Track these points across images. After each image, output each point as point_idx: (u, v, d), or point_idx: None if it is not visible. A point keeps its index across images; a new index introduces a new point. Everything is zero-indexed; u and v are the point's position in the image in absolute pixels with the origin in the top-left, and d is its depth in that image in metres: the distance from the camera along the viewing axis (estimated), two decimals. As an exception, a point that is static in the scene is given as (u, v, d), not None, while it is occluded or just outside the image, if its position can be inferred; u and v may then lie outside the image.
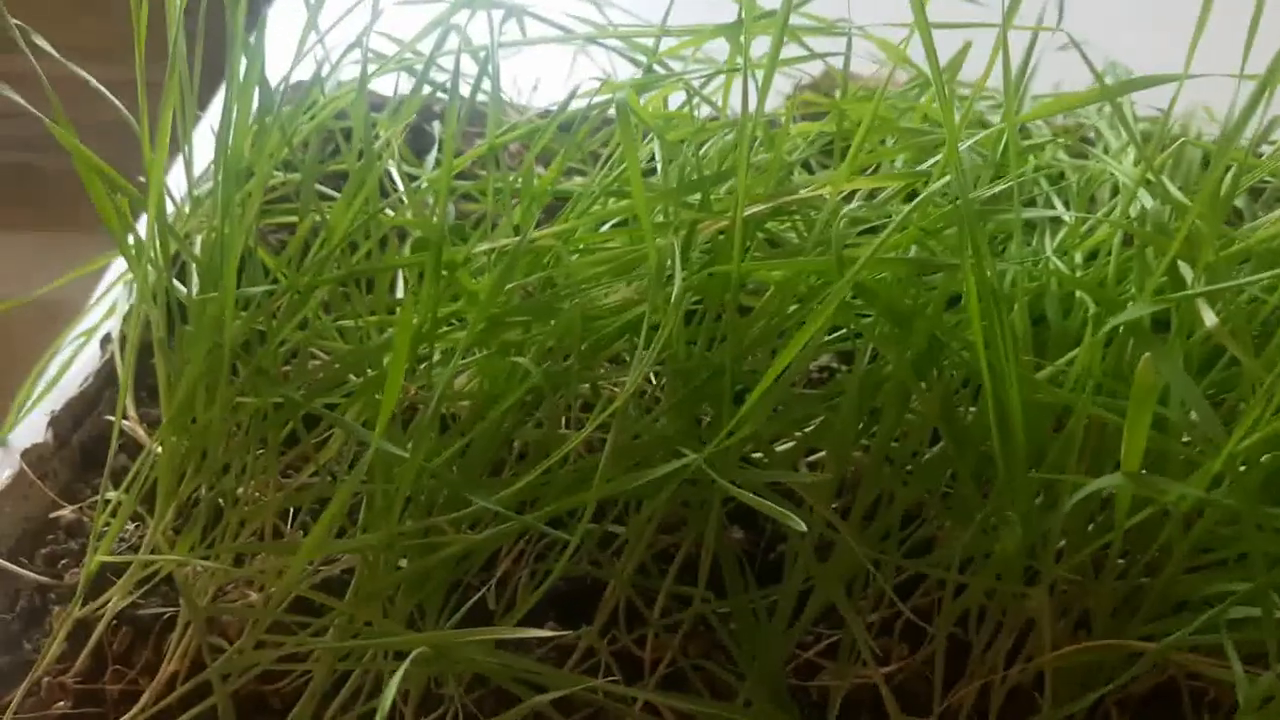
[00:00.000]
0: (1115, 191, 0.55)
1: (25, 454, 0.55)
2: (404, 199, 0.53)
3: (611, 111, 0.50)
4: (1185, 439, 0.43)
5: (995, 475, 0.45)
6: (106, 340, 0.61)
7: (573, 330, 0.47)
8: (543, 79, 0.79)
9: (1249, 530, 0.40)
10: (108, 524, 0.50)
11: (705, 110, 0.57)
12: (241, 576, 0.48)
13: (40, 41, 0.49)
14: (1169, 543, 0.44)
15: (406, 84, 0.60)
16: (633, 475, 0.44)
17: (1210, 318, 0.40)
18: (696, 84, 0.53)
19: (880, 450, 0.47)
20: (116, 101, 0.52)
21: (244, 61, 0.48)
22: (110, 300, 0.62)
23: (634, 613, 0.50)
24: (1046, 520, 0.43)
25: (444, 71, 0.56)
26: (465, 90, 0.52)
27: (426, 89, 0.55)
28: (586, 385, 0.51)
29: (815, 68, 0.67)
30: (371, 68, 0.54)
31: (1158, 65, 0.48)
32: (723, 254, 0.48)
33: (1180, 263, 0.42)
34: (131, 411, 0.56)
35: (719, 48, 0.56)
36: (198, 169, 0.52)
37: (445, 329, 0.49)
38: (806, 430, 0.50)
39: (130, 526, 0.52)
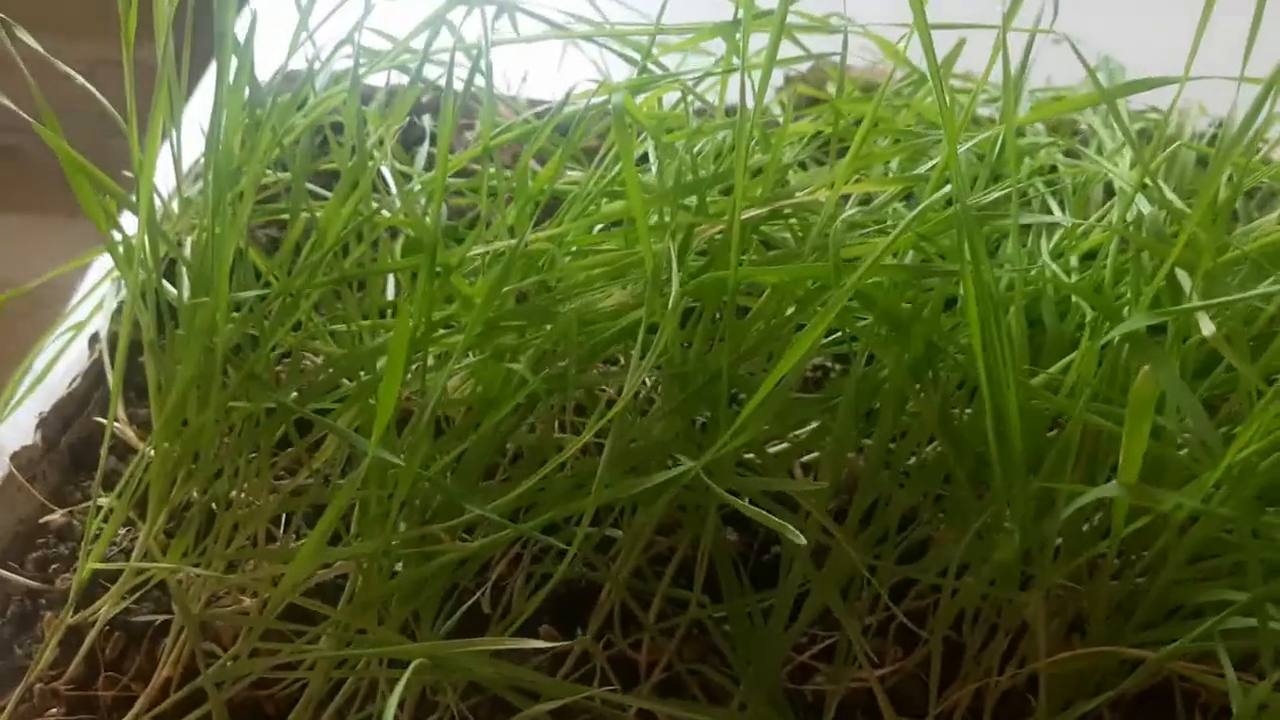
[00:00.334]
0: (1110, 190, 0.54)
1: (14, 457, 0.55)
2: (396, 197, 0.52)
3: (608, 106, 0.50)
4: (1182, 445, 0.43)
5: (991, 478, 0.45)
6: (94, 339, 0.60)
7: (569, 335, 0.47)
8: (532, 71, 0.79)
9: (1245, 539, 0.40)
10: (99, 529, 0.49)
11: (700, 105, 0.57)
12: (235, 583, 0.48)
13: (23, 35, 0.49)
14: (1165, 549, 0.44)
15: (397, 77, 0.59)
16: (630, 482, 0.44)
17: (1208, 327, 0.40)
18: (691, 81, 0.52)
19: (877, 454, 0.47)
20: (103, 99, 0.51)
21: (234, 61, 0.48)
22: (97, 295, 0.61)
23: (629, 616, 0.50)
24: (1043, 527, 0.43)
25: (437, 66, 0.56)
26: (457, 84, 0.52)
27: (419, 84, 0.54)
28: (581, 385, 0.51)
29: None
30: (363, 64, 0.53)
31: (1152, 55, 0.48)
32: (719, 256, 0.48)
33: (1178, 269, 0.42)
34: (120, 412, 0.55)
35: (715, 42, 0.55)
36: (186, 157, 0.51)
37: (439, 333, 0.49)
38: (803, 433, 0.50)
39: (122, 530, 0.52)
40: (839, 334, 0.50)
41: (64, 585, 0.51)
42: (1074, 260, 0.49)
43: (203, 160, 0.48)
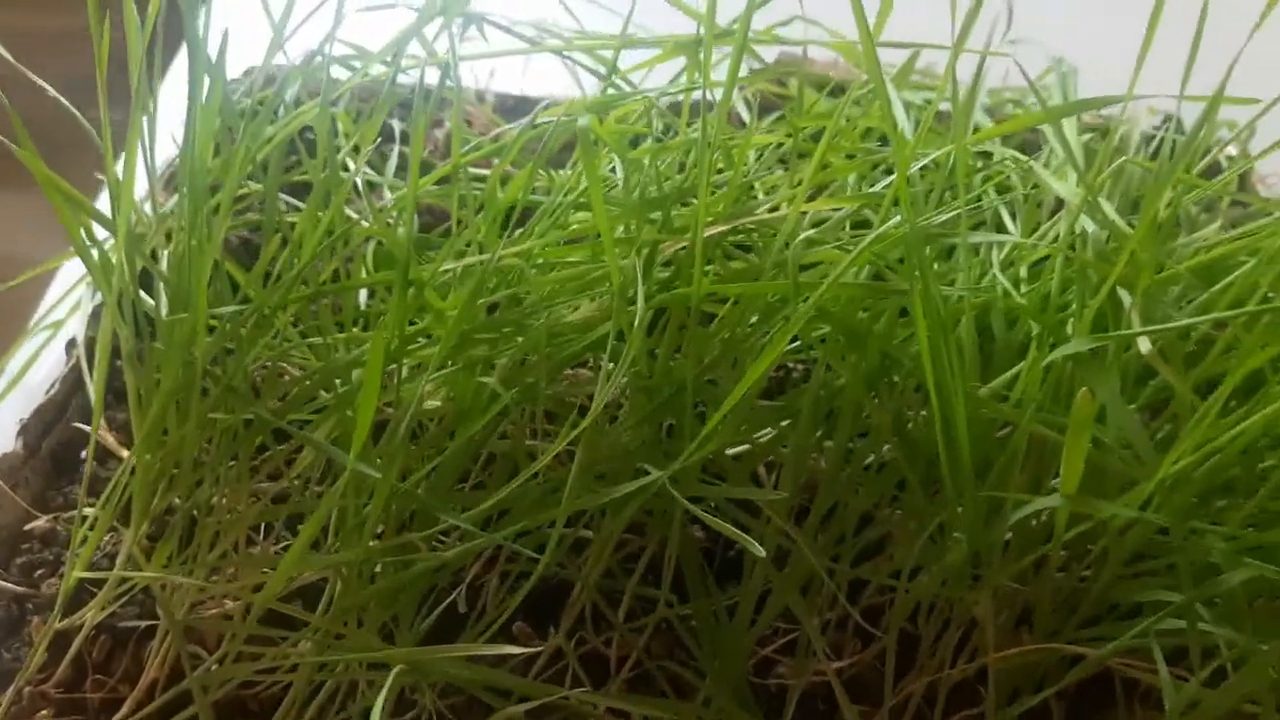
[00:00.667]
0: (1061, 201, 0.56)
1: (-3, 464, 0.56)
2: (368, 213, 0.53)
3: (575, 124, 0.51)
4: (1125, 447, 0.45)
5: (943, 481, 0.48)
6: (72, 345, 0.61)
7: (539, 347, 0.48)
8: (499, 67, 0.80)
9: (1178, 543, 0.43)
10: (85, 537, 0.50)
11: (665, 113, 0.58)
12: (218, 592, 0.50)
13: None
14: (1105, 550, 0.46)
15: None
16: (599, 492, 0.46)
17: (1145, 344, 0.42)
18: (655, 95, 0.54)
19: (836, 459, 0.49)
20: (76, 112, 0.52)
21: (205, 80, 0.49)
22: (72, 297, 0.62)
23: (599, 614, 0.52)
24: (991, 532, 0.45)
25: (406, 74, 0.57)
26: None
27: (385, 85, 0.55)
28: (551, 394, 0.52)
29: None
30: (335, 77, 0.54)
31: (1107, 48, 0.49)
32: (684, 268, 0.50)
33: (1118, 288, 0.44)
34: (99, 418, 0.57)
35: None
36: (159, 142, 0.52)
37: (413, 345, 0.50)
38: (765, 437, 0.52)
39: (106, 535, 0.53)
40: (799, 343, 0.52)
41: (50, 590, 0.53)
42: (1023, 271, 0.51)
43: (175, 164, 0.48)
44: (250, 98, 0.59)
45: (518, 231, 0.52)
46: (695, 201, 0.48)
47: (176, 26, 0.49)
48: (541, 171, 0.55)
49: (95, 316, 0.61)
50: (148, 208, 0.56)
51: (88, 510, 0.50)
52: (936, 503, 0.48)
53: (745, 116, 0.67)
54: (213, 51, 0.48)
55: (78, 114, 0.52)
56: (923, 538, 0.47)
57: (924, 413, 0.50)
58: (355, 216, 0.51)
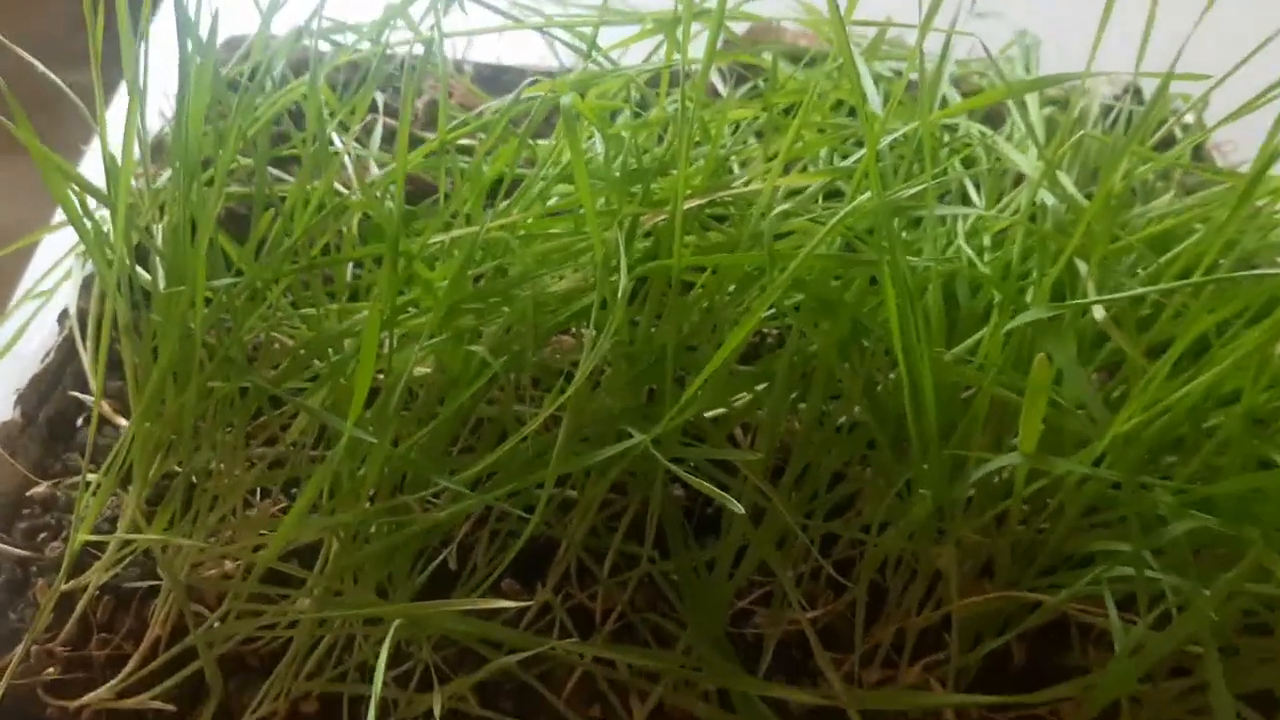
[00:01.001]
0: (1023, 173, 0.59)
1: (-4, 433, 0.58)
2: (356, 190, 0.55)
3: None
4: (1077, 414, 0.48)
5: (911, 441, 0.50)
6: (64, 316, 0.63)
7: (525, 317, 0.50)
8: (475, 38, 0.81)
9: (1128, 497, 0.46)
10: (88, 503, 0.52)
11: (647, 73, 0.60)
12: (218, 553, 0.52)
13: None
14: (1062, 504, 0.49)
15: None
16: (584, 454, 0.48)
17: (1100, 312, 0.44)
18: (634, 71, 0.55)
19: (809, 422, 0.52)
20: (55, 77, 0.52)
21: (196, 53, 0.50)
22: (63, 266, 0.63)
23: (585, 570, 0.54)
24: (954, 488, 0.48)
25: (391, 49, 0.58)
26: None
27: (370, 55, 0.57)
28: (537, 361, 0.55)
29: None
30: (322, 53, 0.55)
31: (1065, 26, 0.51)
32: (664, 239, 0.52)
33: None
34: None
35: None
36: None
37: (403, 315, 0.52)
38: (741, 401, 0.55)
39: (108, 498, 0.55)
40: (774, 310, 0.54)
41: (53, 553, 0.55)
42: (987, 240, 0.54)
43: (164, 136, 0.49)
44: (234, 70, 0.60)
45: (503, 204, 0.54)
46: (674, 174, 0.50)
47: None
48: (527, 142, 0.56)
49: (86, 287, 0.63)
50: (138, 182, 0.57)
51: (90, 476, 0.52)
52: (904, 461, 0.51)
53: (721, 88, 0.69)
54: (200, 29, 0.50)
55: (59, 81, 0.53)
56: (890, 494, 0.50)
57: (892, 376, 0.53)
58: (345, 191, 0.53)
